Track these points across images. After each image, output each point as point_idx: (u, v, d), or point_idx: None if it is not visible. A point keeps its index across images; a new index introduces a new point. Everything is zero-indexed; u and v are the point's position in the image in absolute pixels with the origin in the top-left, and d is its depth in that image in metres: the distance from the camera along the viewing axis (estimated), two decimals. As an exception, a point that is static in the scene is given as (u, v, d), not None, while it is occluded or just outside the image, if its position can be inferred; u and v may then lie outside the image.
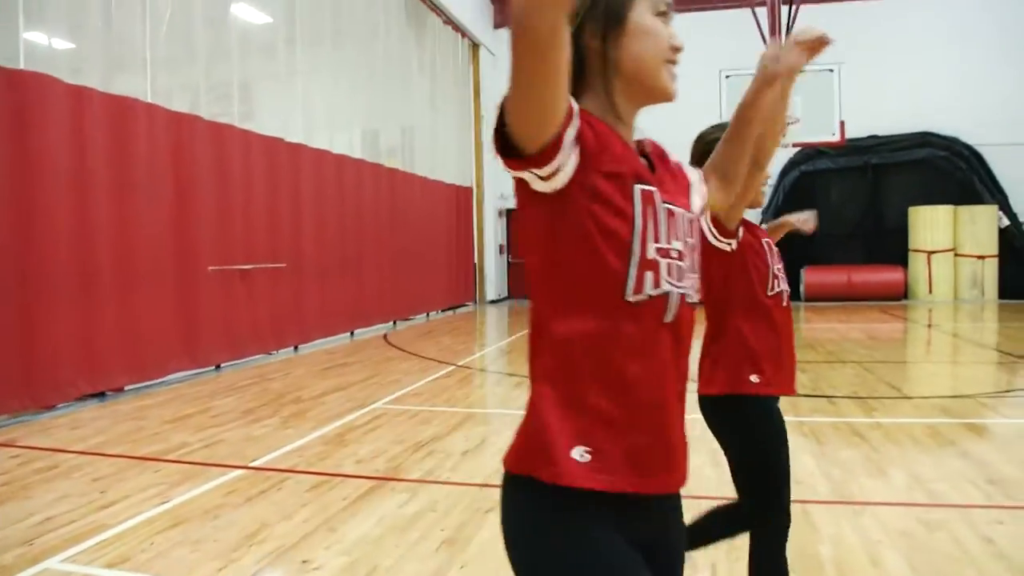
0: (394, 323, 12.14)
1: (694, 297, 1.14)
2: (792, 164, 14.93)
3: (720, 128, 1.95)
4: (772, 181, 12.81)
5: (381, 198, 11.53)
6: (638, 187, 1.07)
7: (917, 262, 14.64)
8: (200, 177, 7.44)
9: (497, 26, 16.66)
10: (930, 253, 14.47)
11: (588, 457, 1.03)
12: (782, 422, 2.09)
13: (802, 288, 14.62)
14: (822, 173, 15.04)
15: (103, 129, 6.26)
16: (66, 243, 5.85)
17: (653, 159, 1.19)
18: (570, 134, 1.00)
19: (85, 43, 6.52)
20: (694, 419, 1.47)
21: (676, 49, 1.15)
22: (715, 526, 2.27)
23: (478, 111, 15.97)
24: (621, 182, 1.06)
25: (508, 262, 17.48)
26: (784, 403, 2.17)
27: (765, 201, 2.29)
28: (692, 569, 2.29)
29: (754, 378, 2.03)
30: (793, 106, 9.27)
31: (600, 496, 1.03)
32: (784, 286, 2.17)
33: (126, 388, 6.51)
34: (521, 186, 1.07)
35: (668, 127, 2.30)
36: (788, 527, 2.08)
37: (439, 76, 14.15)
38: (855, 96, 12.31)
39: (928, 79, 14.65)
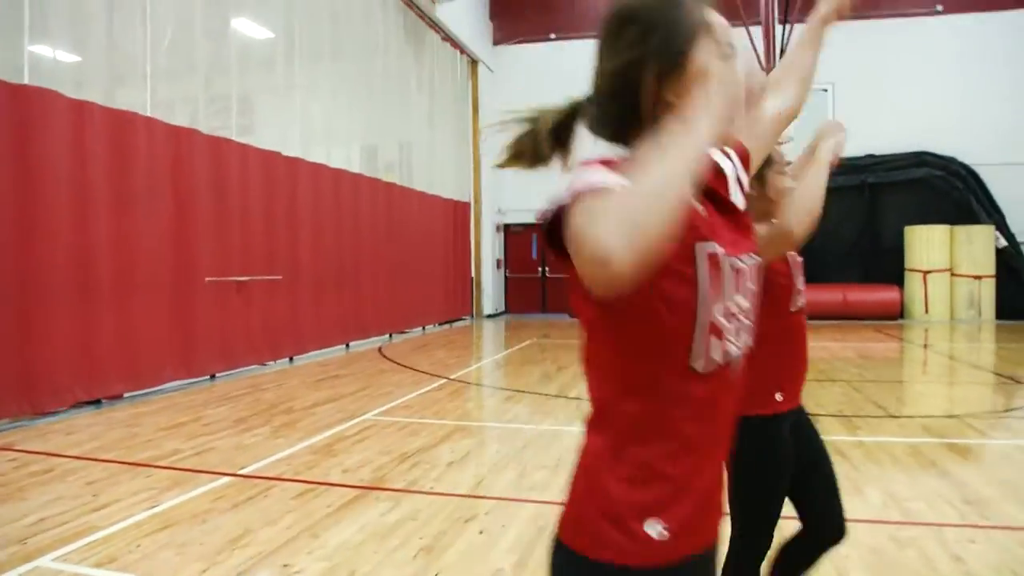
0: (390, 336, 12.22)
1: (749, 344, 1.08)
2: (788, 183, 14.97)
3: None
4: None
5: (378, 212, 11.62)
6: (700, 246, 0.97)
7: (913, 282, 14.62)
8: (198, 189, 7.56)
9: (496, 43, 16.86)
10: (926, 273, 14.45)
11: (663, 532, 0.98)
12: (790, 441, 2.05)
13: (797, 306, 14.59)
14: (818, 192, 15.07)
15: (103, 142, 6.38)
16: (66, 253, 5.96)
17: (713, 185, 1.07)
18: None
19: (88, 56, 6.67)
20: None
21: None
22: (793, 561, 2.18)
23: (476, 127, 16.12)
24: (680, 244, 0.93)
25: (505, 276, 17.57)
26: None
27: None
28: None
29: (779, 396, 2.02)
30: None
31: (667, 567, 0.99)
32: (804, 301, 2.13)
33: (123, 396, 6.59)
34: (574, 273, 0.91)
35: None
36: (768, 548, 2.08)
37: (437, 92, 14.29)
38: (852, 115, 12.38)
39: (925, 99, 14.74)
